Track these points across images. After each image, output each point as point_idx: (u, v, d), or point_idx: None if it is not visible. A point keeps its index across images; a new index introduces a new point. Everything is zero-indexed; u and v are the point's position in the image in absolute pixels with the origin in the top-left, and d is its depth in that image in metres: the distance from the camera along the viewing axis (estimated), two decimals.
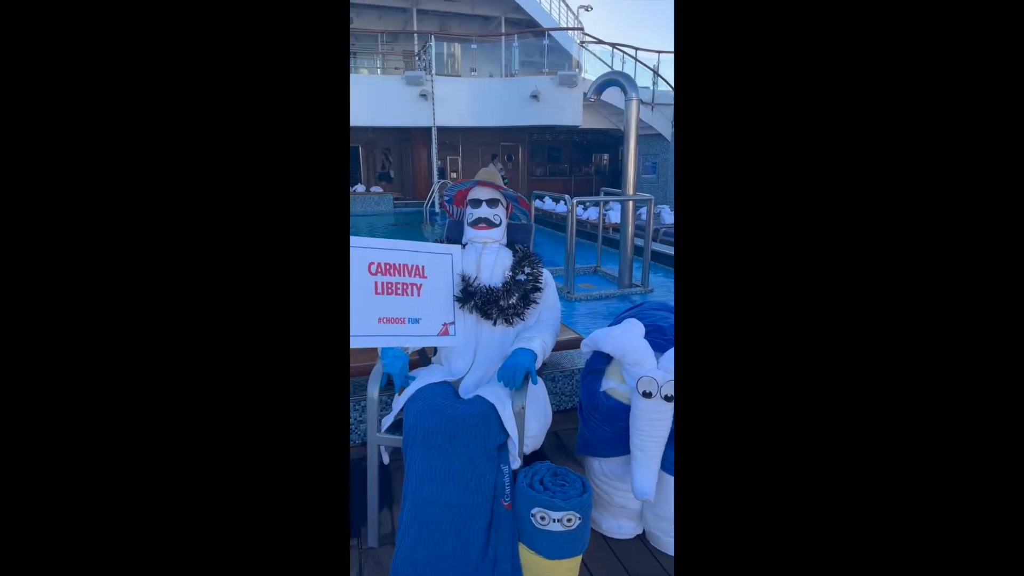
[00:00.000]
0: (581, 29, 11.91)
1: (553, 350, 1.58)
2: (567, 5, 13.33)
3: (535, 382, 1.34)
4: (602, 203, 5.10)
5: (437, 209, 10.57)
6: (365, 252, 1.33)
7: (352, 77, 11.62)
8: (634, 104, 3.98)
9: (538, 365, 1.39)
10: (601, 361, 1.47)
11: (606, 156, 15.87)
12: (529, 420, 1.36)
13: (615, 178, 14.13)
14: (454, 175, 13.15)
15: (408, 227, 9.87)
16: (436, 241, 1.61)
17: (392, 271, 1.38)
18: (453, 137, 12.82)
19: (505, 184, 1.62)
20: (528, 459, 1.39)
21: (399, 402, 1.38)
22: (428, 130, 11.02)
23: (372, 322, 1.33)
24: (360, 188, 12.54)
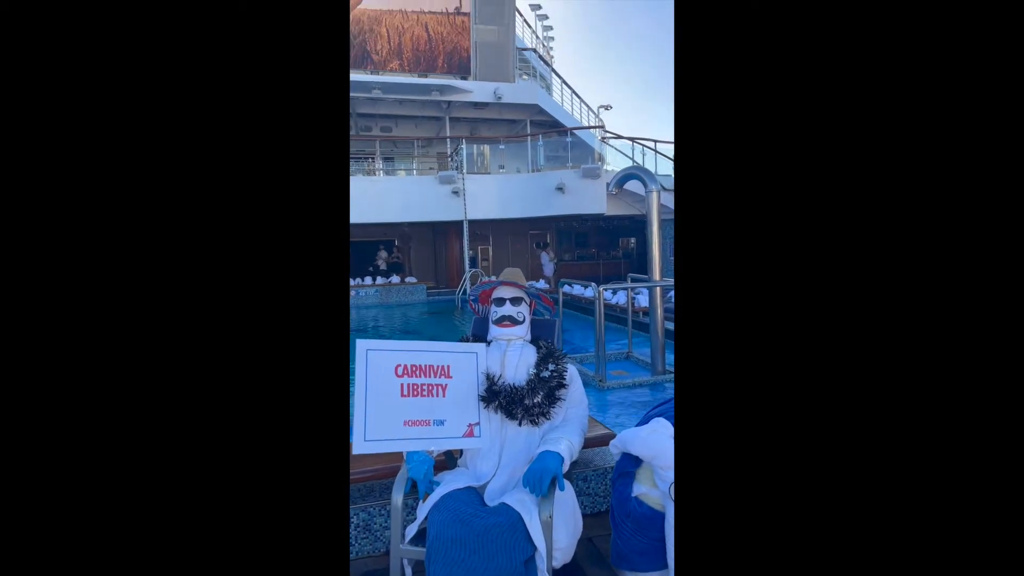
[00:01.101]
0: (602, 127, 12.75)
1: (584, 447, 1.53)
2: (588, 106, 14.42)
3: (562, 488, 1.29)
4: (629, 289, 5.13)
5: (467, 302, 10.82)
6: (392, 355, 1.38)
7: (390, 179, 12.61)
8: (654, 195, 4.14)
9: (566, 468, 1.35)
10: (631, 464, 1.41)
11: (633, 240, 16.16)
12: (558, 530, 1.29)
13: (643, 260, 14.22)
14: (485, 263, 13.59)
15: (441, 315, 10.07)
16: (462, 338, 1.65)
17: (418, 372, 1.40)
18: (484, 228, 13.43)
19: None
20: (559, 573, 1.30)
21: (423, 510, 1.34)
22: (460, 223, 11.62)
23: (398, 425, 1.34)
24: (395, 279, 13.07)
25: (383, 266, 13.51)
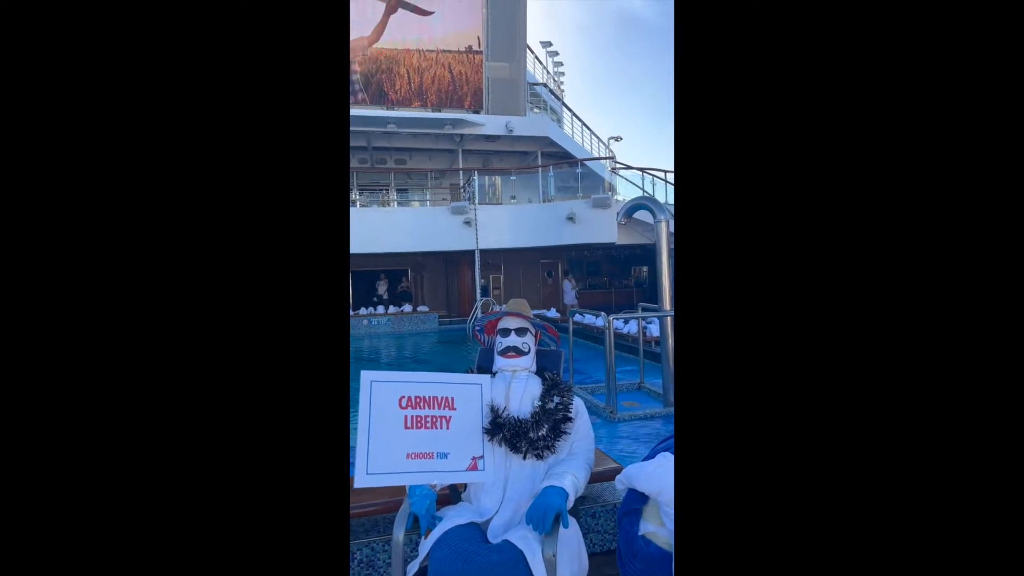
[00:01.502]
0: (612, 158, 12.92)
1: (591, 482, 1.50)
2: (598, 137, 14.65)
3: (566, 525, 1.26)
4: (640, 318, 5.09)
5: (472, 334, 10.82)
6: (395, 386, 1.38)
7: (404, 210, 12.84)
8: (663, 225, 4.15)
9: (570, 503, 1.32)
10: (638, 500, 1.38)
11: (645, 268, 16.12)
12: (561, 568, 1.26)
13: (655, 288, 14.14)
14: (497, 291, 13.63)
15: (452, 344, 10.06)
16: (467, 370, 1.65)
17: (422, 404, 1.40)
18: (495, 257, 13.53)
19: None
20: None
21: (425, 546, 1.31)
22: (472, 252, 11.73)
23: (401, 458, 1.33)
24: (408, 308, 13.16)
25: (385, 295, 13.66)
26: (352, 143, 13.10)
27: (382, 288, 13.94)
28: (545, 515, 1.23)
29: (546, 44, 16.73)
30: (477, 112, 12.75)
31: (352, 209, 12.67)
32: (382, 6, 12.10)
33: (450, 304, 14.32)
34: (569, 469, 1.38)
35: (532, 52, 14.90)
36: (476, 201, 11.74)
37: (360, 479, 1.28)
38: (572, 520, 1.39)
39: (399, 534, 1.32)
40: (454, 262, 13.84)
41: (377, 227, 11.97)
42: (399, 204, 13.31)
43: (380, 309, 12.74)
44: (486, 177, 12.45)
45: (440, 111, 12.73)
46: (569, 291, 12.88)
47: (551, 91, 15.65)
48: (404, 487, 1.41)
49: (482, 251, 11.68)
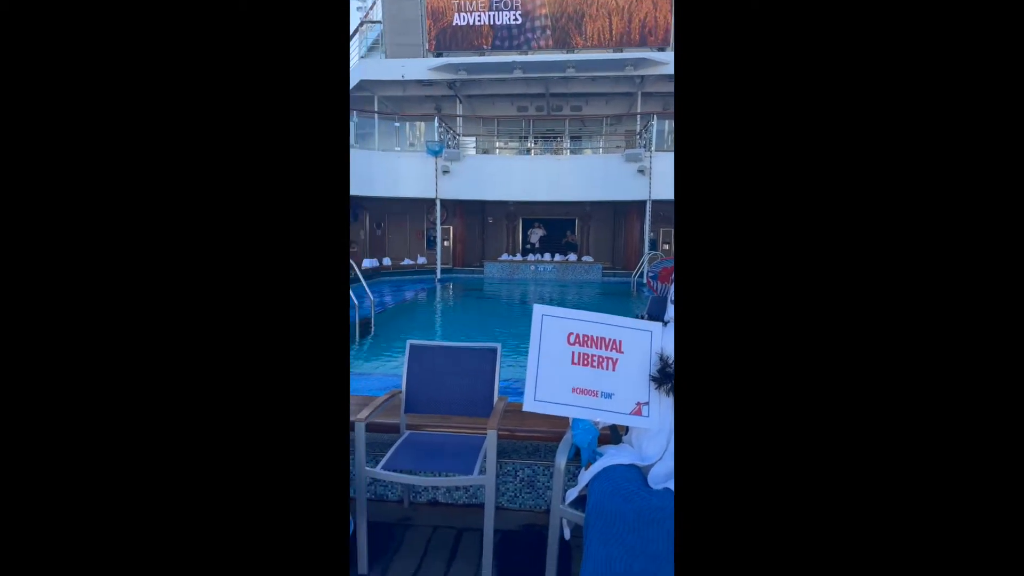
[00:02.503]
0: None
1: None
2: None
3: None
4: None
5: (644, 281, 10.46)
6: (565, 322, 1.40)
7: (575, 158, 12.74)
8: None
9: None
10: None
11: None
12: None
13: None
14: (666, 246, 12.93)
15: (614, 296, 9.96)
16: (638, 316, 1.60)
17: (590, 343, 1.41)
18: (668, 209, 12.74)
19: None
20: None
21: (584, 477, 1.36)
22: (643, 203, 11.20)
23: (566, 391, 1.37)
24: (572, 257, 13.33)
25: (537, 243, 13.99)
26: (530, 90, 13.27)
27: (535, 236, 14.31)
28: None
29: None
30: (663, 50, 11.73)
31: (525, 157, 13.02)
32: None
33: (615, 256, 14.06)
34: None
35: None
36: (652, 148, 11.05)
37: (528, 404, 1.37)
38: None
39: (561, 461, 1.39)
40: (623, 213, 13.42)
41: (546, 175, 12.13)
42: (571, 152, 13.23)
43: (531, 257, 13.19)
44: (666, 122, 11.54)
45: (623, 51, 12.03)
46: None
47: None
48: (567, 419, 1.46)
49: (655, 202, 11.07)
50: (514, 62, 12.07)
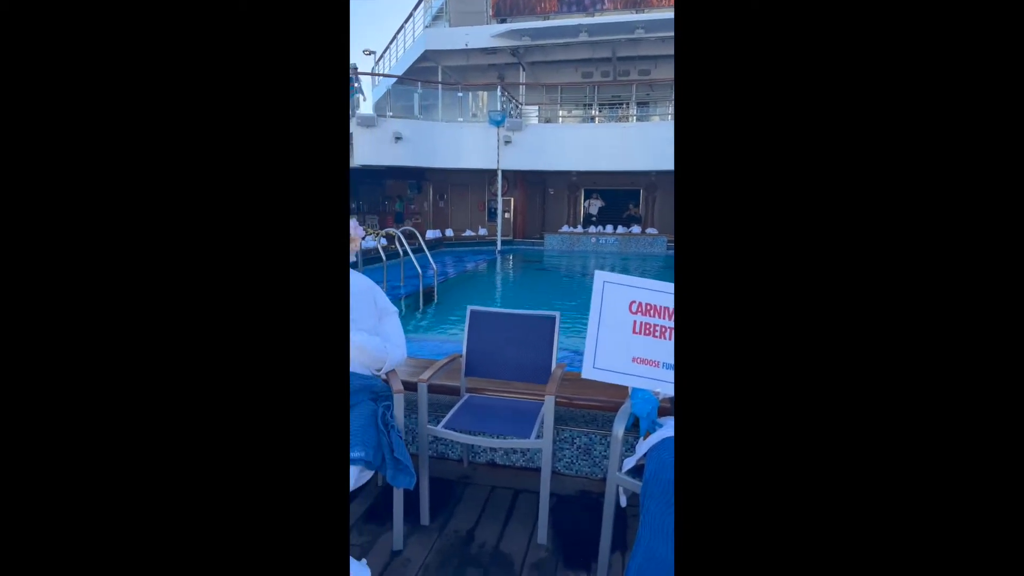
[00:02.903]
0: None
1: None
2: None
3: None
4: None
5: None
6: (627, 290, 1.37)
7: (641, 125, 12.20)
8: None
9: None
10: None
11: None
12: None
13: None
14: None
15: None
16: None
17: (652, 312, 1.37)
18: None
19: None
20: None
21: (643, 447, 1.34)
22: None
23: (627, 360, 1.35)
24: (636, 229, 12.94)
25: (595, 214, 13.72)
26: (596, 55, 12.76)
27: (594, 208, 13.96)
28: None
29: None
30: None
31: (588, 125, 12.62)
32: None
33: None
34: None
35: None
36: None
37: (587, 372, 1.36)
38: None
39: (619, 430, 1.37)
40: None
41: (610, 144, 11.71)
42: (638, 119, 12.67)
43: (592, 229, 12.92)
44: None
45: None
46: None
47: None
48: (626, 389, 1.44)
49: None
50: (580, 25, 11.61)
